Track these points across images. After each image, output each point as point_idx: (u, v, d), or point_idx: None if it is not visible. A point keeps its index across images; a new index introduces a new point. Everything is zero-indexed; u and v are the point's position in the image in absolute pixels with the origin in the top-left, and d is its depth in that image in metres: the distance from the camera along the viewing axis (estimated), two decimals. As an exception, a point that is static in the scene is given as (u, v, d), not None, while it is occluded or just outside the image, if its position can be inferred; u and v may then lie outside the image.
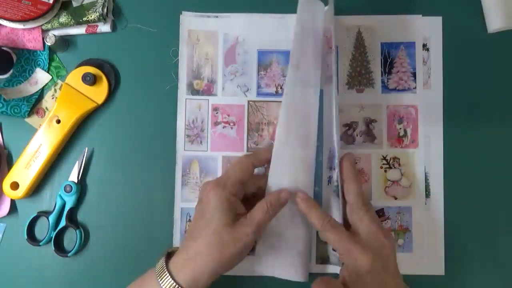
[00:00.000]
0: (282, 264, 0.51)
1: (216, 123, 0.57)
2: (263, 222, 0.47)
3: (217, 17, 0.58)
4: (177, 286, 0.44)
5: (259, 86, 0.57)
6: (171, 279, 0.44)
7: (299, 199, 0.50)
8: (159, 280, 0.44)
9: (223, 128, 0.57)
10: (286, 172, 0.51)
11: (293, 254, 0.51)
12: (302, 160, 0.52)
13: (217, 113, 0.57)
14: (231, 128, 0.57)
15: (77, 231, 0.55)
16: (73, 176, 0.56)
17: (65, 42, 0.57)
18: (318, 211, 0.49)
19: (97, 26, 0.57)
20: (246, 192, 0.51)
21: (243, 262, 0.48)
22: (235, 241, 0.45)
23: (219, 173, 0.56)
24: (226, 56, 0.57)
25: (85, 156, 0.56)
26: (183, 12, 0.57)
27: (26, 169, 0.55)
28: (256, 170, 0.52)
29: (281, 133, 0.52)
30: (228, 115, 0.57)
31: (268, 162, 0.52)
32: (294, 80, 0.52)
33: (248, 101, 0.57)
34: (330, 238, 0.48)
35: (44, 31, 0.57)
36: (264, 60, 0.57)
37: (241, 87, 0.57)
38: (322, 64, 0.54)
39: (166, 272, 0.45)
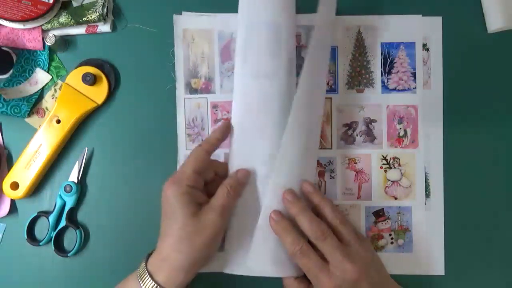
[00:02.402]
0: (254, 260, 0.50)
1: (216, 121, 0.57)
2: (226, 204, 0.47)
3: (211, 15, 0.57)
4: (156, 286, 0.45)
5: (257, 82, 0.57)
6: (151, 279, 0.45)
7: (273, 221, 0.48)
8: (140, 281, 0.46)
9: (223, 125, 0.57)
10: (246, 166, 0.50)
11: (265, 248, 0.49)
12: (263, 154, 0.50)
13: (216, 110, 0.57)
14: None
15: (77, 231, 0.55)
16: (73, 176, 0.56)
17: (65, 42, 0.58)
18: (291, 236, 0.47)
19: (97, 26, 0.57)
20: (206, 180, 0.50)
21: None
22: (202, 230, 0.45)
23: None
24: (222, 53, 0.57)
25: (85, 156, 0.56)
26: (183, 13, 0.57)
27: (26, 169, 0.55)
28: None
29: (235, 126, 0.51)
30: (228, 112, 0.57)
31: (219, 141, 0.50)
32: (243, 72, 0.51)
33: (247, 97, 0.57)
34: (301, 265, 0.47)
35: (44, 31, 0.57)
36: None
37: (239, 83, 0.57)
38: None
39: (146, 273, 0.46)
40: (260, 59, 0.50)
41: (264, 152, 0.50)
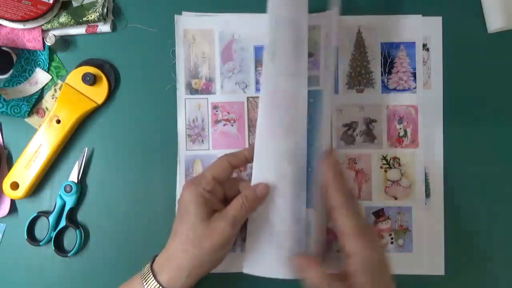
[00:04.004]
0: (271, 262, 0.50)
1: (216, 121, 0.57)
2: (239, 216, 0.47)
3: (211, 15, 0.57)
4: (159, 286, 0.45)
5: (257, 82, 0.57)
6: (154, 279, 0.45)
7: (297, 260, 0.47)
8: (143, 281, 0.46)
9: (223, 126, 0.57)
10: (270, 166, 0.50)
11: (283, 251, 0.49)
12: (289, 152, 0.50)
13: (217, 111, 0.57)
14: (232, 125, 0.57)
15: (77, 231, 0.55)
16: (73, 176, 0.56)
17: (65, 42, 0.58)
18: (316, 273, 0.44)
19: (97, 26, 0.57)
20: (227, 195, 0.50)
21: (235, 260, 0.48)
22: (210, 235, 0.45)
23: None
24: (222, 54, 0.57)
25: (85, 156, 0.56)
26: (183, 13, 0.57)
27: (26, 169, 0.55)
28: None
29: (262, 125, 0.51)
30: (228, 113, 0.57)
31: (247, 161, 0.51)
32: (271, 70, 0.51)
33: (247, 98, 0.57)
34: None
35: (44, 31, 0.57)
36: (261, 55, 0.57)
37: (239, 84, 0.57)
38: (318, 61, 0.54)
39: (150, 273, 0.46)
40: (287, 57, 0.51)
41: (289, 150, 0.50)
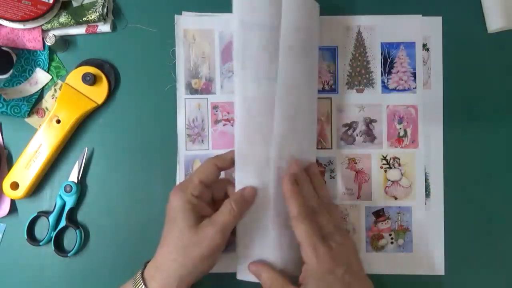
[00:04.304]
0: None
1: (216, 121, 0.57)
2: (229, 222, 0.46)
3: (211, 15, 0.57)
4: None
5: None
6: (144, 287, 0.45)
7: (252, 266, 0.48)
8: None
9: (223, 126, 0.57)
10: (252, 171, 0.49)
11: (273, 255, 0.49)
12: (267, 157, 0.49)
13: (216, 111, 0.57)
14: (232, 125, 0.57)
15: (77, 231, 0.55)
16: (73, 176, 0.56)
17: (65, 42, 0.58)
18: (269, 274, 0.47)
19: (97, 26, 0.57)
20: (215, 197, 0.50)
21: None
22: (198, 243, 0.45)
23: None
24: (223, 54, 0.57)
25: (85, 156, 0.56)
26: (183, 13, 0.57)
27: (26, 169, 0.55)
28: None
29: (239, 132, 0.50)
30: (228, 113, 0.57)
31: (232, 160, 0.50)
32: (243, 77, 0.49)
33: (247, 98, 0.57)
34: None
35: (44, 31, 0.57)
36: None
37: (239, 83, 0.57)
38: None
39: (141, 280, 0.46)
40: (259, 63, 0.49)
41: (270, 157, 0.49)
